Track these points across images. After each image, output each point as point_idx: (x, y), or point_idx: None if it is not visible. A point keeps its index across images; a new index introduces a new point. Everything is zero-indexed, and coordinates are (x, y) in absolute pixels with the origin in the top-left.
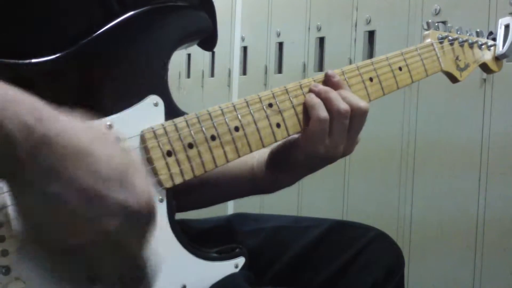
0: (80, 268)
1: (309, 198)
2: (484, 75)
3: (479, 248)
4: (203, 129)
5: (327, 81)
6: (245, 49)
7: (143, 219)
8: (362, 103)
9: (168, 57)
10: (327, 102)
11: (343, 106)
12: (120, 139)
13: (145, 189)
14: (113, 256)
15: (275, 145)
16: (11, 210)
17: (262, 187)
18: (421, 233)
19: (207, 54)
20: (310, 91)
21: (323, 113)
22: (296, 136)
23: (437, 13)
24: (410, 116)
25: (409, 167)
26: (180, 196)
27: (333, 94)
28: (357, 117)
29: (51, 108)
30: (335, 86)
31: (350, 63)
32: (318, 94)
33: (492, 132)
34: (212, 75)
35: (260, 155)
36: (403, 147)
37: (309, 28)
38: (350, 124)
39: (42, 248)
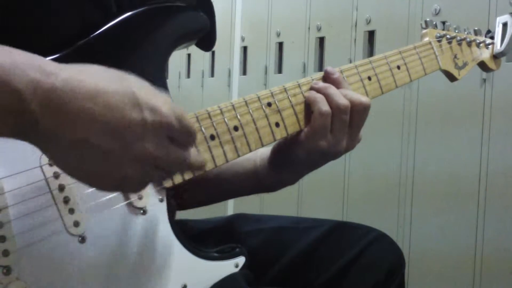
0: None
1: (309, 198)
2: (484, 75)
3: (479, 247)
4: (202, 128)
5: (327, 78)
6: (245, 49)
7: (175, 128)
8: (363, 99)
9: (167, 57)
10: (327, 98)
11: (343, 101)
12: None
13: (163, 101)
14: (159, 167)
15: (277, 143)
16: (12, 210)
17: (265, 185)
18: (421, 232)
19: (207, 54)
20: (311, 88)
21: (324, 107)
22: (297, 133)
23: (437, 13)
24: (410, 118)
25: (409, 163)
26: (184, 193)
27: (332, 90)
28: (358, 112)
29: (56, 63)
30: (335, 83)
31: (350, 63)
32: (318, 91)
33: (492, 132)
34: (212, 75)
35: (262, 153)
36: (403, 144)
37: (309, 28)
38: (351, 120)
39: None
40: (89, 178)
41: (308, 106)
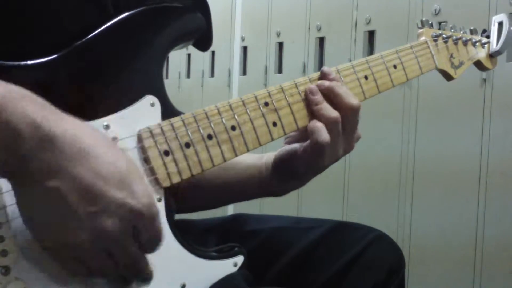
0: (77, 264)
1: (309, 198)
2: (484, 75)
3: (479, 247)
4: (200, 128)
5: (323, 78)
6: (245, 49)
7: (144, 221)
8: (354, 102)
9: (164, 57)
10: (317, 112)
11: (334, 114)
12: (117, 139)
13: (146, 193)
14: (111, 255)
15: (278, 154)
16: (11, 210)
17: (271, 190)
18: (421, 233)
19: (207, 54)
20: (306, 94)
21: (323, 136)
22: (296, 147)
23: (437, 13)
24: (410, 117)
25: (408, 169)
26: (188, 198)
27: (324, 105)
28: (348, 116)
29: (56, 109)
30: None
31: None
32: (312, 103)
33: (492, 132)
34: (212, 75)
35: (268, 158)
36: (403, 148)
37: (309, 28)
38: (344, 127)
39: (41, 242)
40: (41, 229)
41: (306, 105)
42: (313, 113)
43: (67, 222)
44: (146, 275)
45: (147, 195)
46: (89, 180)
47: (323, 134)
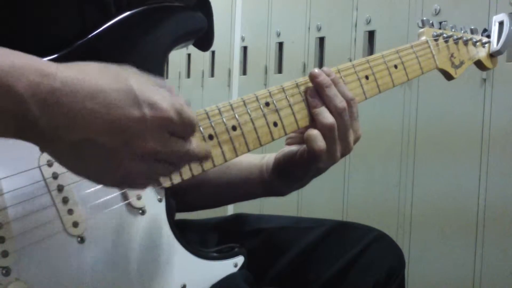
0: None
1: (309, 198)
2: (484, 75)
3: (479, 248)
4: (201, 128)
5: (311, 81)
6: (245, 49)
7: (174, 122)
8: (339, 104)
9: (164, 57)
10: (317, 116)
11: (329, 120)
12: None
13: (164, 96)
14: (163, 161)
15: (278, 156)
16: (11, 211)
17: (273, 190)
18: (421, 233)
19: (207, 54)
20: (306, 95)
21: (320, 144)
22: (295, 150)
23: (437, 13)
24: (410, 116)
25: (409, 166)
26: (190, 196)
27: (321, 109)
28: (338, 120)
29: (54, 63)
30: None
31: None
32: (310, 105)
33: (492, 131)
34: (212, 75)
35: (269, 158)
36: (403, 146)
37: (309, 28)
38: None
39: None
40: (93, 175)
41: (307, 106)
42: (311, 116)
43: (112, 160)
44: (205, 154)
45: (164, 97)
46: (107, 115)
47: (318, 142)
